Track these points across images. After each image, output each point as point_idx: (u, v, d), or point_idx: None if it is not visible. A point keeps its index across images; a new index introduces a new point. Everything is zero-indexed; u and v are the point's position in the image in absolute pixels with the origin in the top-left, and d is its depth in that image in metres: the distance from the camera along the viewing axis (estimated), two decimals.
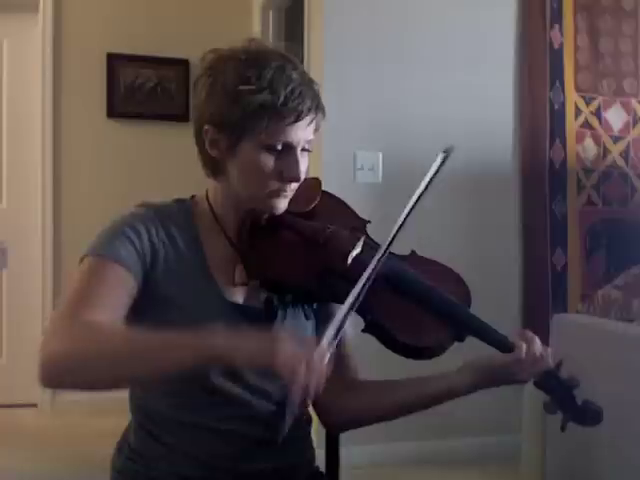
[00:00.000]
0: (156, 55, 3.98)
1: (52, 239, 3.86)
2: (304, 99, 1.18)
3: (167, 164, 3.96)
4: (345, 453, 1.49)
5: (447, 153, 1.18)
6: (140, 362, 1.02)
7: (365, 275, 1.10)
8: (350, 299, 1.08)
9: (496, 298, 2.97)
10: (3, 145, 3.97)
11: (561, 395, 1.23)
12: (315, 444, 1.36)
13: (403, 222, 1.14)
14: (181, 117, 3.99)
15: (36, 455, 3.10)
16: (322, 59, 2.99)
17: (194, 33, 3.97)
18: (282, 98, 1.16)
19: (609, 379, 1.91)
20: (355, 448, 2.13)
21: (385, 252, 1.13)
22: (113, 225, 1.21)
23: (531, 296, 3.28)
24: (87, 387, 1.08)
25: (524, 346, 1.20)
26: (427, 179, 1.16)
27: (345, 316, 1.08)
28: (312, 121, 1.21)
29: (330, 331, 1.03)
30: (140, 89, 3.99)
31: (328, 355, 1.00)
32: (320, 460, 1.38)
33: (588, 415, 1.23)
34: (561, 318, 2.29)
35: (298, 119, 1.17)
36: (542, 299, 3.28)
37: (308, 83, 1.21)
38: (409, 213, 1.14)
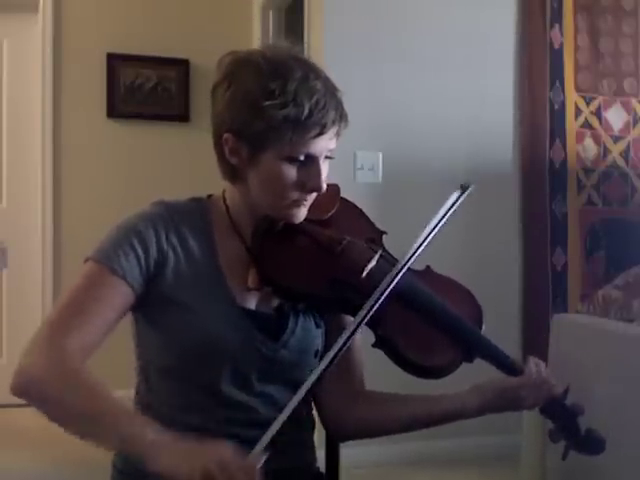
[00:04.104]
0: (156, 55, 3.98)
1: (52, 239, 3.86)
2: (328, 111, 1.15)
3: (167, 164, 3.96)
4: (345, 453, 1.49)
5: (463, 190, 1.18)
6: (82, 422, 1.08)
7: (375, 296, 1.10)
8: (358, 318, 1.08)
9: (496, 298, 2.97)
10: (3, 145, 3.97)
11: (565, 422, 1.24)
12: (315, 444, 1.36)
13: (419, 247, 1.13)
14: (181, 117, 4.00)
15: (36, 455, 3.09)
16: (322, 59, 2.99)
17: (194, 33, 3.97)
18: (307, 111, 1.13)
19: (609, 379, 1.91)
20: (355, 448, 2.12)
21: (400, 271, 1.12)
22: (123, 228, 1.20)
23: (531, 296, 3.28)
24: (45, 415, 1.11)
25: (534, 369, 1.22)
26: (440, 215, 1.16)
27: (352, 332, 1.09)
28: (336, 132, 1.19)
29: (265, 438, 1.02)
30: (140, 89, 3.98)
31: (260, 462, 0.99)
32: (320, 460, 1.38)
33: (591, 444, 1.24)
34: (561, 318, 2.29)
35: (322, 132, 1.16)
36: (542, 299, 3.28)
37: (331, 92, 1.18)
38: (421, 246, 1.14)
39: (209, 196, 1.32)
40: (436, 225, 1.17)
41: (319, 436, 1.39)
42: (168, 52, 3.99)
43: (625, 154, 3.42)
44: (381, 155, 3.09)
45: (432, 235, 1.17)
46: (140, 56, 3.97)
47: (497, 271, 3.18)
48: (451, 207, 1.19)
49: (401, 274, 1.14)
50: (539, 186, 3.29)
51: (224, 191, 1.29)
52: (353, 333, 1.10)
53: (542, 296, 3.28)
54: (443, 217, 1.19)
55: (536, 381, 1.21)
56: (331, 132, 1.18)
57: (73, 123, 3.90)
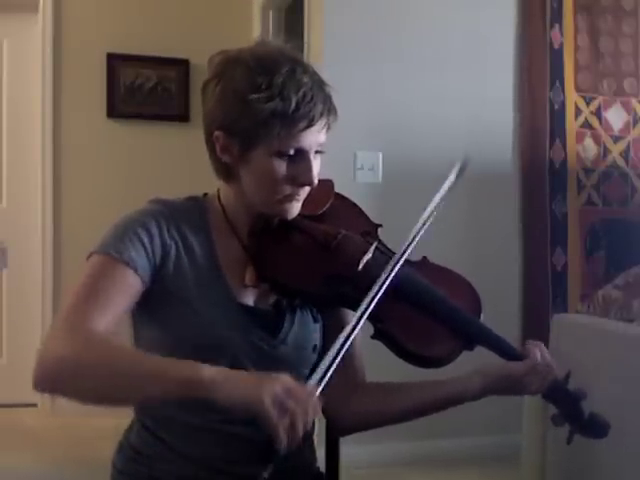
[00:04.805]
0: (156, 55, 3.98)
1: (52, 239, 3.86)
2: (316, 104, 1.16)
3: (167, 164, 3.96)
4: (345, 453, 1.49)
5: (462, 167, 1.18)
6: (129, 383, 1.03)
7: (374, 290, 1.10)
8: (359, 313, 1.08)
9: (496, 298, 2.96)
10: (3, 145, 3.98)
11: (569, 407, 1.24)
12: (315, 444, 1.36)
13: (415, 236, 1.13)
14: (181, 117, 4.00)
15: (36, 455, 3.10)
16: (322, 59, 2.99)
17: (194, 33, 3.97)
18: (293, 105, 1.14)
19: (609, 379, 1.91)
20: (355, 448, 2.12)
21: (393, 270, 1.12)
22: (125, 221, 1.20)
23: (531, 296, 3.28)
24: (77, 397, 1.06)
25: (538, 354, 1.22)
26: (440, 194, 1.16)
27: (353, 328, 1.08)
28: (324, 125, 1.19)
29: (322, 366, 1.04)
30: (140, 89, 3.98)
31: (319, 390, 1.01)
32: (320, 460, 1.38)
33: (595, 427, 1.24)
34: (561, 318, 2.29)
35: (310, 125, 1.16)
36: (542, 299, 3.28)
37: (319, 85, 1.19)
38: (422, 227, 1.14)
39: (205, 195, 1.32)
40: (436, 206, 1.17)
41: (319, 436, 1.39)
42: (168, 52, 3.99)
43: (625, 154, 3.42)
44: (381, 155, 3.09)
45: (439, 205, 1.16)
46: (140, 56, 3.97)
47: (497, 271, 3.18)
48: (457, 177, 1.18)
49: (412, 247, 1.13)
50: (539, 186, 3.29)
51: (219, 190, 1.30)
52: (363, 314, 1.10)
53: (542, 296, 3.28)
54: (442, 198, 1.18)
55: (540, 366, 1.21)
56: (319, 125, 1.18)
57: (73, 123, 3.90)
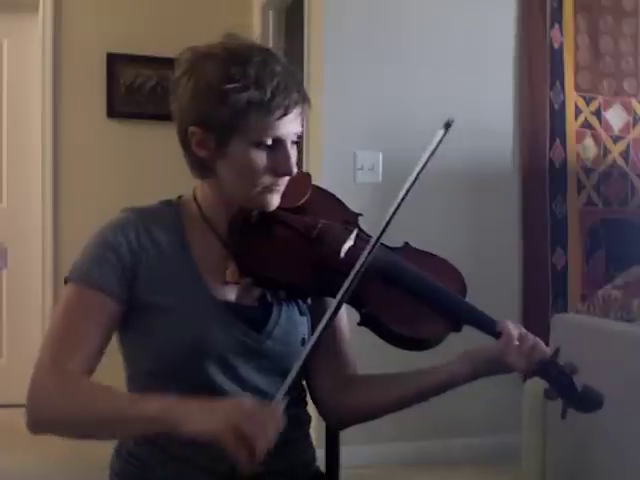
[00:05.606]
0: (156, 55, 3.98)
1: (52, 239, 3.86)
2: (290, 92, 1.18)
3: (167, 164, 3.94)
4: (345, 453, 1.49)
5: (447, 128, 1.19)
6: (105, 429, 1.13)
7: (357, 265, 1.10)
8: (342, 291, 1.09)
9: (496, 298, 2.96)
10: (3, 145, 3.98)
11: (560, 382, 1.23)
12: (315, 444, 1.36)
13: (399, 205, 1.14)
14: None
15: (36, 455, 3.09)
16: (322, 59, 2.99)
17: (194, 33, 3.93)
18: (269, 93, 1.15)
19: (609, 379, 1.90)
20: (355, 448, 2.13)
21: (380, 236, 1.13)
22: (93, 242, 1.22)
23: (531, 296, 3.28)
24: (70, 438, 1.17)
25: (510, 331, 1.18)
26: (427, 156, 1.17)
27: (336, 308, 1.09)
28: (300, 113, 1.21)
29: (287, 380, 1.06)
30: (140, 89, 3.98)
31: (281, 408, 1.03)
32: (320, 460, 1.38)
33: (588, 401, 1.22)
34: (561, 318, 2.29)
35: (286, 113, 1.17)
36: (542, 299, 3.28)
37: (292, 75, 1.20)
38: (406, 194, 1.14)
39: (179, 197, 1.33)
40: (423, 166, 1.18)
41: (319, 436, 1.39)
42: (168, 52, 3.96)
43: (625, 154, 3.42)
44: (381, 155, 3.09)
45: (419, 174, 1.17)
46: (140, 56, 3.97)
47: (497, 271, 3.18)
48: (437, 145, 1.20)
49: (391, 220, 1.13)
50: (539, 186, 3.29)
51: (194, 190, 1.30)
52: (344, 296, 1.10)
53: (542, 296, 3.28)
54: (430, 155, 1.20)
55: (514, 345, 1.18)
56: (295, 113, 1.19)
57: (73, 123, 3.90)
